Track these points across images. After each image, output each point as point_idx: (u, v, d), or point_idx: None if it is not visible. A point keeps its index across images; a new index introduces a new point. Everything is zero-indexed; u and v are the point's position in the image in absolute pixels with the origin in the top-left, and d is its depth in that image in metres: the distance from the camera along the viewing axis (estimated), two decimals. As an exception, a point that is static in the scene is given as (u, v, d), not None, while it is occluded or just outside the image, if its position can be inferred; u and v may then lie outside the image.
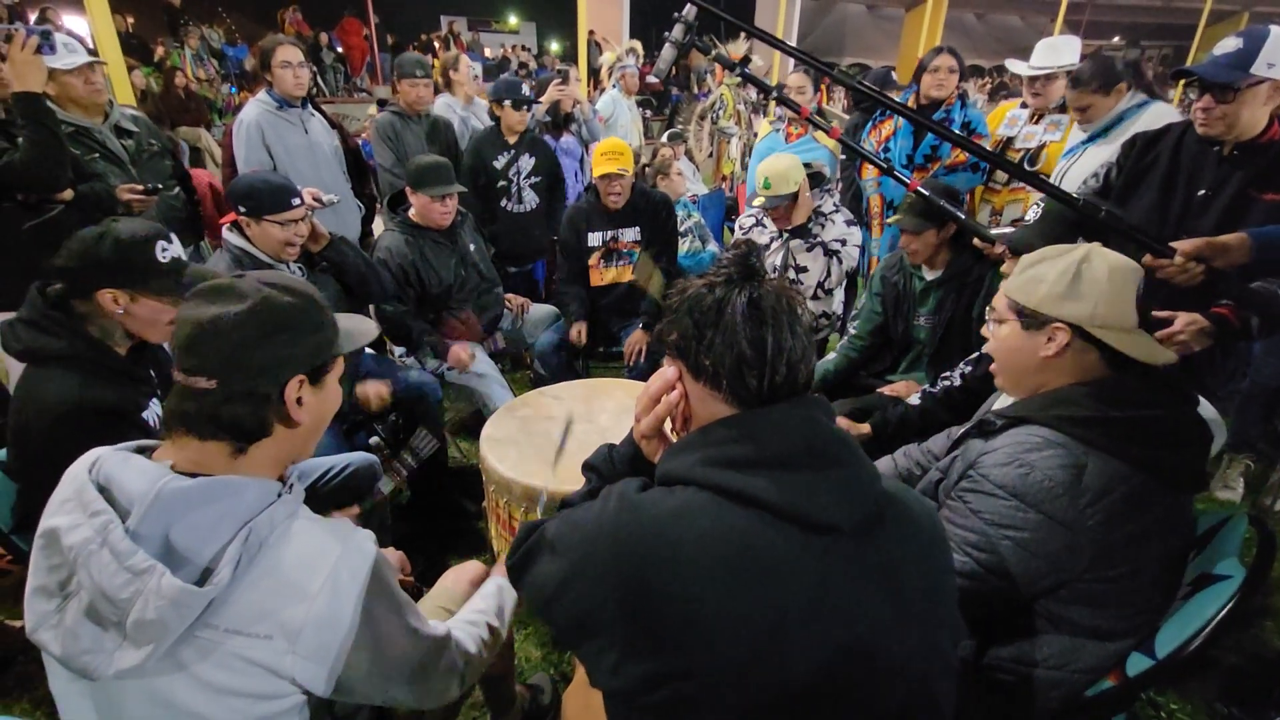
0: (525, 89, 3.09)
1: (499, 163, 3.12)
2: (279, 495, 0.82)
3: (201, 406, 0.81)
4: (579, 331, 2.78)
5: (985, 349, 1.24)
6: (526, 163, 3.16)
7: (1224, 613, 1.01)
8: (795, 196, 2.57)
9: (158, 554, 0.72)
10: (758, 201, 2.60)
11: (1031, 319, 1.11)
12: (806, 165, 2.67)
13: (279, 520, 0.79)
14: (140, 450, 0.84)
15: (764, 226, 2.79)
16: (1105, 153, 2.27)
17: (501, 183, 3.15)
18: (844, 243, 2.64)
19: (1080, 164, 2.42)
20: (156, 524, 0.73)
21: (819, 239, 2.65)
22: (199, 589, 0.71)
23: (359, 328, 1.00)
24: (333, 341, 0.91)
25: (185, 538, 0.74)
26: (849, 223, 2.68)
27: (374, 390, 2.07)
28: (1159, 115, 2.29)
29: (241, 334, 0.80)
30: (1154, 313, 1.47)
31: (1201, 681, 1.75)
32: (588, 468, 1.01)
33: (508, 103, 3.03)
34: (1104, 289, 1.06)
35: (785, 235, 2.68)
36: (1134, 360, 1.07)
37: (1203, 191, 1.72)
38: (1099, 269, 1.07)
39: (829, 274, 2.66)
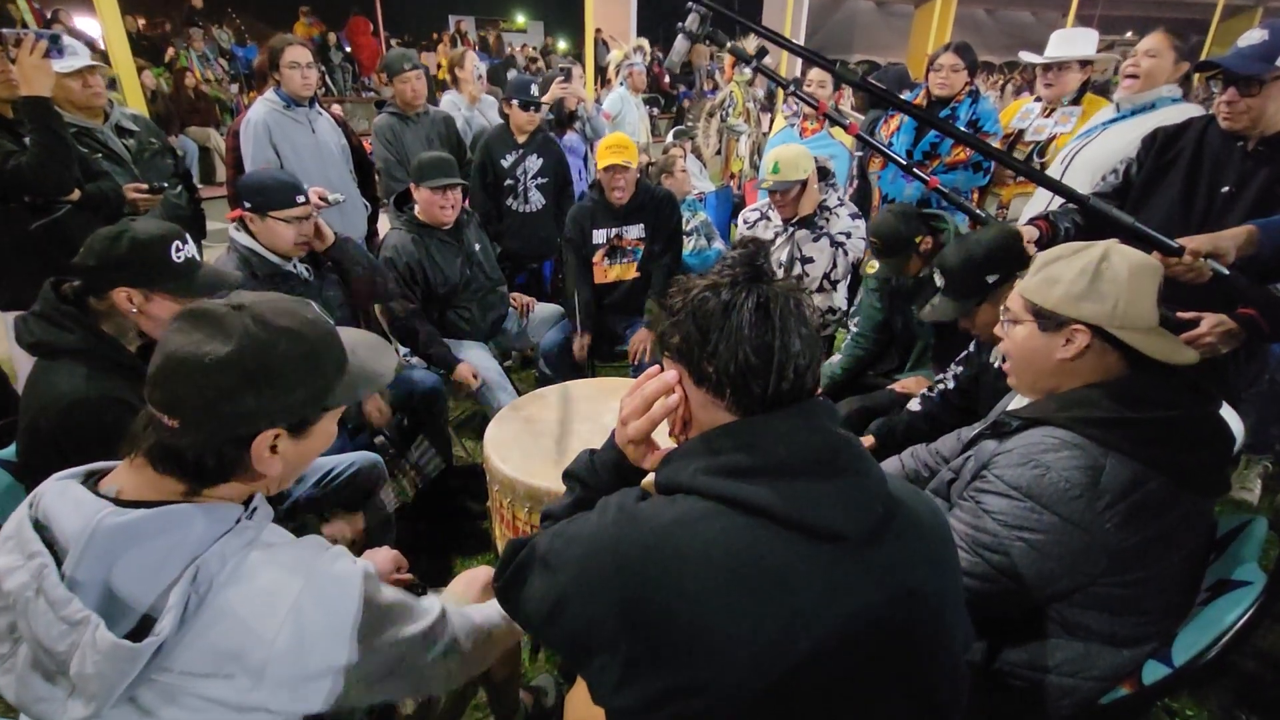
0: (534, 90, 3.06)
1: (506, 161, 3.10)
2: (237, 521, 0.75)
3: (159, 441, 0.74)
4: (582, 346, 2.77)
5: (1000, 349, 1.21)
6: (533, 163, 3.14)
7: (1244, 620, 0.99)
8: (804, 185, 2.57)
9: (97, 600, 0.66)
10: (765, 184, 2.61)
11: (1049, 320, 1.08)
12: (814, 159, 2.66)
13: (232, 553, 0.72)
14: (91, 475, 0.78)
15: (769, 219, 2.79)
16: (1127, 137, 2.20)
17: (508, 181, 3.13)
18: (849, 235, 2.65)
19: (1096, 146, 2.34)
20: (95, 567, 0.67)
21: (825, 230, 2.66)
22: (134, 645, 0.64)
23: (376, 366, 0.88)
24: (328, 391, 0.80)
25: (126, 580, 0.67)
26: (854, 216, 2.69)
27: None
28: (1188, 113, 2.19)
29: (214, 381, 0.71)
30: (1179, 314, 1.44)
31: (1218, 687, 1.72)
32: (569, 476, 0.97)
33: (515, 102, 3.02)
34: (1124, 287, 1.03)
35: (791, 227, 2.68)
36: (1154, 360, 1.04)
37: (1227, 188, 1.68)
38: (1119, 267, 1.04)
39: (835, 265, 2.66)
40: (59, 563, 0.68)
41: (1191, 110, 2.23)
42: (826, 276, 2.68)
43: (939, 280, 1.67)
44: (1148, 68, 2.23)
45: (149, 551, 0.69)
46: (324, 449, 0.86)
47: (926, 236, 2.03)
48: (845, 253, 2.65)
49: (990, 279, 1.57)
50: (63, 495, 0.73)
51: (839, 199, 2.72)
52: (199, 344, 0.72)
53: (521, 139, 3.11)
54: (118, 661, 0.64)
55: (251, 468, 0.77)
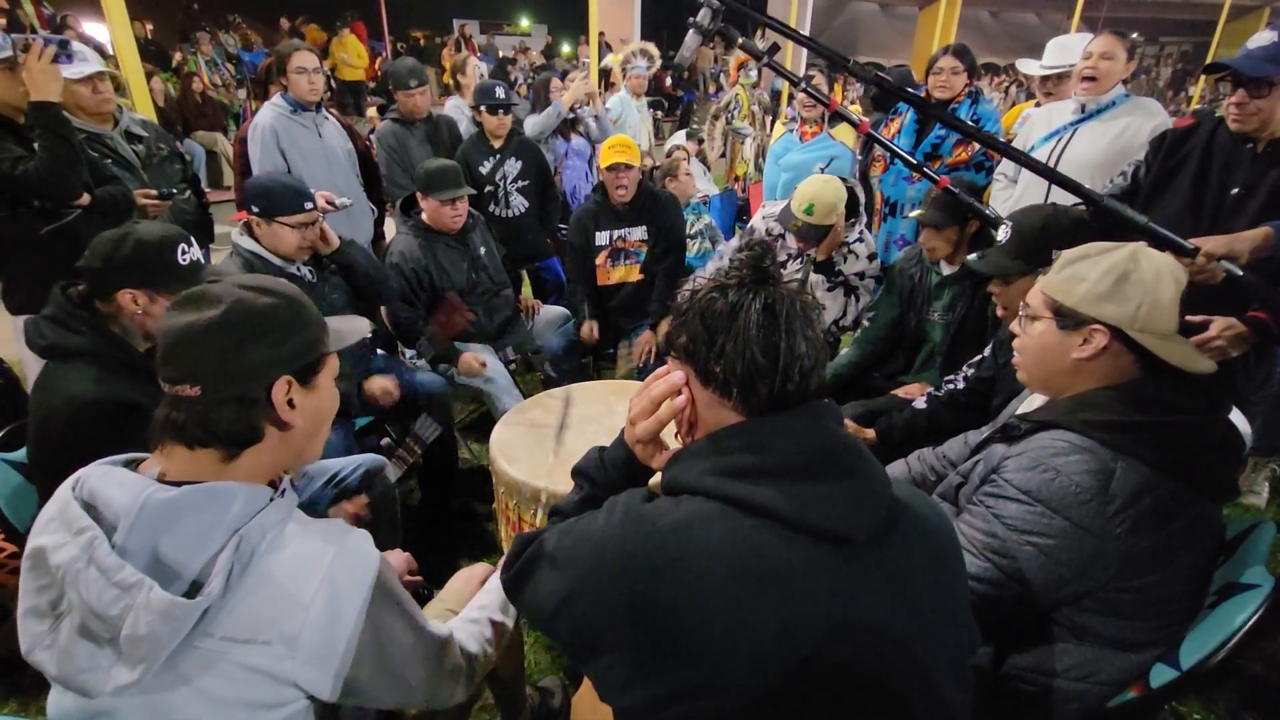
0: (500, 92, 3.03)
1: (484, 168, 3.08)
2: (270, 500, 0.81)
3: (188, 415, 0.79)
4: (590, 329, 2.76)
5: (1014, 345, 1.20)
6: (513, 166, 3.11)
7: (1252, 623, 0.98)
8: (831, 229, 2.39)
9: (146, 567, 0.70)
10: (794, 225, 2.38)
11: (1069, 318, 1.07)
12: (844, 180, 2.47)
13: (270, 526, 0.77)
14: (129, 463, 0.82)
15: (784, 239, 2.64)
16: (1106, 135, 2.27)
17: (488, 188, 3.11)
18: (863, 276, 2.51)
19: (1078, 146, 2.35)
20: (144, 537, 0.71)
21: (841, 276, 2.49)
22: (188, 601, 0.69)
23: (348, 326, 0.98)
24: (319, 340, 0.88)
25: (174, 549, 0.72)
26: (871, 256, 2.52)
27: (379, 386, 2.05)
28: (1149, 109, 2.29)
29: (218, 339, 0.78)
30: (1187, 318, 1.44)
31: (1226, 689, 1.71)
32: (577, 473, 0.98)
33: (483, 108, 3.02)
34: (1149, 291, 1.02)
35: (808, 259, 2.54)
36: (1168, 364, 1.04)
37: (1236, 190, 1.67)
38: (1146, 270, 1.03)
39: (845, 314, 2.54)
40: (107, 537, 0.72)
41: (1150, 105, 2.33)
42: (836, 323, 2.55)
43: (1003, 234, 1.61)
44: (1105, 69, 2.29)
45: (194, 524, 0.73)
46: (332, 410, 0.93)
47: (974, 221, 1.98)
48: (856, 299, 2.51)
49: (1055, 254, 1.54)
50: (108, 476, 0.77)
51: (859, 234, 2.52)
52: (193, 315, 0.79)
53: (497, 144, 3.09)
54: (171, 620, 0.68)
55: (278, 419, 0.83)
